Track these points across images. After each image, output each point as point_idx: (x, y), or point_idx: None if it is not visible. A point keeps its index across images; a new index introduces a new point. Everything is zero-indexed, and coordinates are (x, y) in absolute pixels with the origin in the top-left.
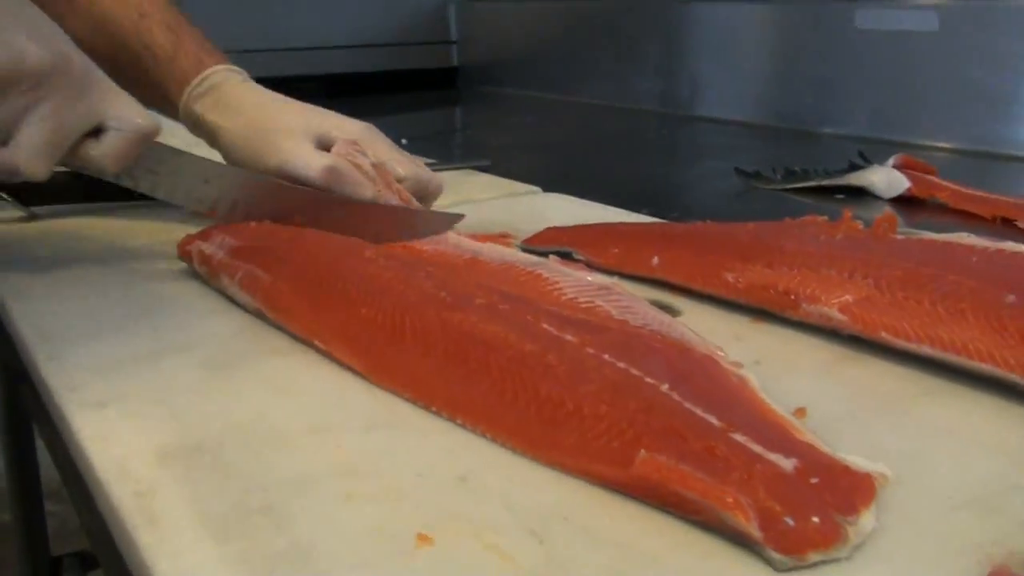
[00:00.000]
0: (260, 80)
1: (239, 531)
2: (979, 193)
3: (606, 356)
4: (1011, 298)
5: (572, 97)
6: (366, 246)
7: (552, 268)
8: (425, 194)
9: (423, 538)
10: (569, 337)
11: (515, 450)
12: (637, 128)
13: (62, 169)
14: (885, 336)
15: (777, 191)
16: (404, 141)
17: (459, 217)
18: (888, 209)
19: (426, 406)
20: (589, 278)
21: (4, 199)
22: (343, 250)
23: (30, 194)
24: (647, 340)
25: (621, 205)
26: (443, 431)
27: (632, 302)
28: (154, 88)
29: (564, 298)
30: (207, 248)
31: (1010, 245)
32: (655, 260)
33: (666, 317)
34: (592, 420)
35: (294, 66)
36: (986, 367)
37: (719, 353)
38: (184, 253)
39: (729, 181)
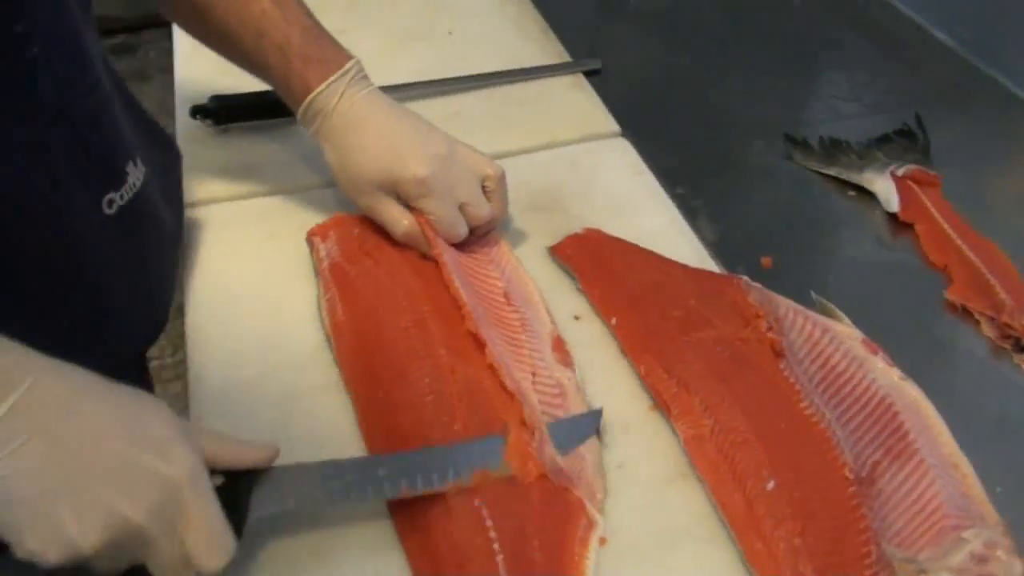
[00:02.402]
0: None
1: None
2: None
3: None
4: (772, 483)
5: None
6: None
7: (536, 354)
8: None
9: None
10: None
11: None
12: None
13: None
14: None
15: (808, 171)
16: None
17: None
18: (775, 339)
19: None
20: (557, 374)
21: (202, 120)
22: (410, 350)
23: (221, 116)
24: None
25: (669, 174)
26: None
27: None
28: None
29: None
30: (322, 249)
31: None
32: (613, 321)
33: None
34: None
35: None
36: None
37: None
38: (310, 239)
39: (776, 145)
